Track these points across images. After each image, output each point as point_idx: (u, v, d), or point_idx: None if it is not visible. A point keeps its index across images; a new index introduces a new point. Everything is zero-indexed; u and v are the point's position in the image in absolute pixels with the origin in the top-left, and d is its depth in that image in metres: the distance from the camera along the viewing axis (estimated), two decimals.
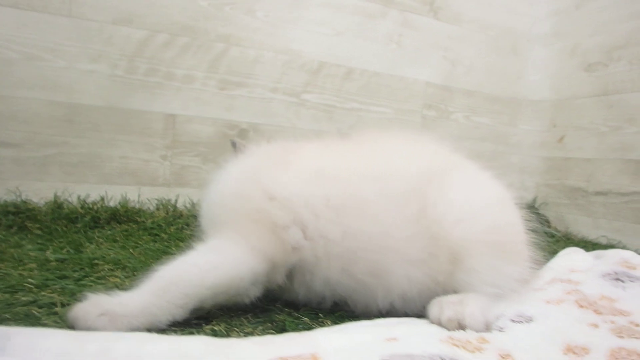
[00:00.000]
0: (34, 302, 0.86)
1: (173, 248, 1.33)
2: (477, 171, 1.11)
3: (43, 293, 0.90)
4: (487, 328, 0.85)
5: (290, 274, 0.98)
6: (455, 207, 0.97)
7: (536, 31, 2.58)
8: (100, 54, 1.70)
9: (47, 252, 1.16)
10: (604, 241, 2.14)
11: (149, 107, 1.78)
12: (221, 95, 1.89)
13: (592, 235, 2.23)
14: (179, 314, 0.82)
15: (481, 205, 1.00)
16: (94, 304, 0.77)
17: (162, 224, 1.57)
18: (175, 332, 0.80)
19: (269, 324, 0.89)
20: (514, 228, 1.05)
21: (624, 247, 1.99)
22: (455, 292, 0.94)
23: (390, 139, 1.14)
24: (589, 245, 2.06)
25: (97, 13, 1.68)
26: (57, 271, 1.04)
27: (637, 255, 1.32)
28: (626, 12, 2.16)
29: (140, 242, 1.37)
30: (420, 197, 0.98)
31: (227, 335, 0.82)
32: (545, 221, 2.43)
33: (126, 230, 1.49)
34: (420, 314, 0.94)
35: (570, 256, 1.38)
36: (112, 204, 1.65)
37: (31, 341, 0.63)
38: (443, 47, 2.35)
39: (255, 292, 0.92)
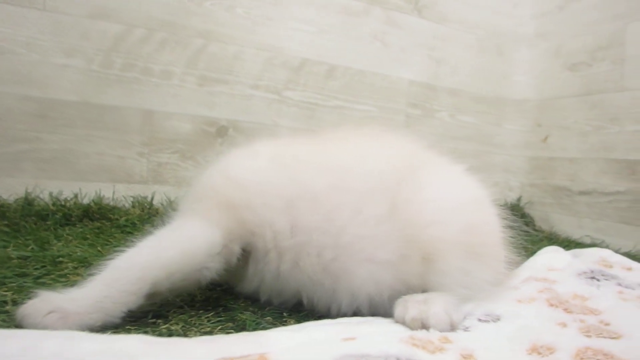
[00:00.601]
0: None
1: None
2: (451, 168, 1.07)
3: None
4: (452, 328, 0.82)
5: (245, 260, 0.95)
6: (429, 208, 0.94)
7: (521, 32, 2.58)
8: (76, 49, 1.67)
9: (8, 249, 1.13)
10: (587, 241, 2.14)
11: (126, 103, 1.75)
12: (200, 91, 1.87)
13: (576, 234, 2.23)
14: (133, 301, 0.79)
15: (455, 205, 0.97)
16: (44, 300, 0.74)
17: (137, 222, 1.54)
18: (129, 330, 0.77)
19: (230, 324, 0.86)
20: (489, 228, 1.02)
21: (607, 247, 1.99)
22: (424, 291, 0.91)
23: (362, 135, 1.11)
24: (572, 244, 2.05)
25: (72, 7, 1.65)
26: (18, 269, 1.01)
27: (615, 254, 1.33)
28: (609, 13, 2.16)
29: (111, 240, 1.35)
30: (390, 195, 0.94)
31: (185, 335, 0.79)
32: (529, 221, 2.42)
33: (98, 228, 1.46)
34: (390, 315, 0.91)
35: (549, 255, 1.38)
36: (85, 201, 1.61)
37: None
38: (428, 46, 2.33)
39: (214, 266, 0.89)
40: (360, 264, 0.91)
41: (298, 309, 0.96)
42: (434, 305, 0.84)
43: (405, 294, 0.91)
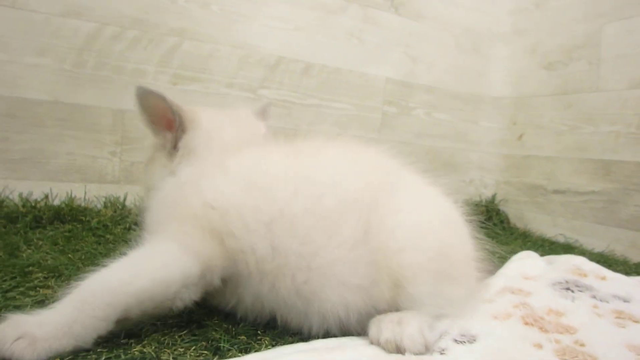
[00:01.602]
0: None
1: (117, 252, 1.28)
2: (424, 190, 1.06)
3: None
4: (427, 348, 0.83)
5: (224, 281, 0.93)
6: (399, 234, 0.92)
7: (497, 29, 2.59)
8: (47, 47, 1.64)
9: None
10: (561, 239, 2.17)
11: (98, 102, 1.72)
12: (174, 90, 1.84)
13: (550, 233, 2.25)
14: (103, 327, 0.76)
15: (426, 230, 0.95)
16: (12, 325, 0.71)
17: (109, 224, 1.53)
18: (100, 354, 0.75)
19: (204, 343, 0.84)
20: (460, 250, 1.02)
21: (580, 246, 2.04)
22: (397, 310, 0.90)
23: (334, 151, 1.06)
24: (546, 243, 2.08)
25: (43, 4, 1.62)
26: None
27: (589, 262, 1.34)
28: (586, 13, 2.18)
29: (82, 245, 1.32)
30: (361, 219, 0.93)
31: (157, 357, 0.77)
32: (504, 218, 2.46)
33: (69, 231, 1.43)
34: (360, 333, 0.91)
35: (524, 261, 1.39)
36: (56, 202, 1.59)
37: None
38: (404, 44, 2.33)
39: (189, 296, 0.86)
40: (331, 288, 0.89)
41: (271, 326, 0.95)
42: (408, 327, 0.84)
43: (373, 316, 0.90)
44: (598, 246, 2.00)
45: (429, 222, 0.97)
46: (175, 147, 1.10)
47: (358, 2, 2.19)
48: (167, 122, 1.10)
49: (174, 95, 1.80)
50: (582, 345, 0.89)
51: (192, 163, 1.06)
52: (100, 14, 1.70)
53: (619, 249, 1.94)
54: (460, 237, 1.04)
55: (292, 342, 0.88)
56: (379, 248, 0.91)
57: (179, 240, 0.89)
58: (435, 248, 0.93)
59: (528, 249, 1.55)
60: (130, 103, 1.77)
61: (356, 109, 2.23)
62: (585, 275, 1.27)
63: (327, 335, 0.91)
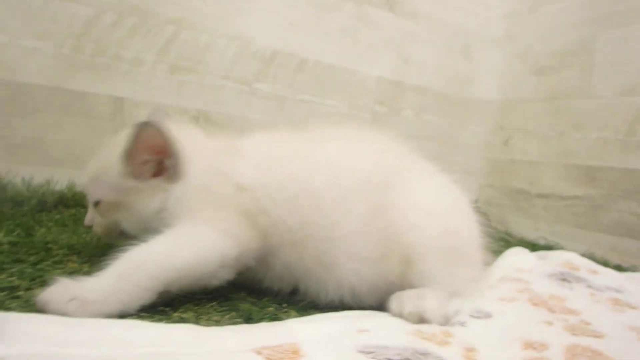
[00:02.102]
0: None
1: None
2: (436, 175, 1.12)
3: (2, 277, 0.86)
4: (447, 321, 0.88)
5: (258, 257, 0.98)
6: (411, 213, 0.99)
7: (489, 33, 2.62)
8: (45, 32, 1.62)
9: (0, 234, 1.10)
10: (542, 242, 2.19)
11: (96, 89, 1.71)
12: (171, 80, 1.84)
13: (531, 236, 2.28)
14: (147, 297, 0.80)
15: (436, 211, 1.02)
16: (64, 288, 0.74)
17: None
18: (143, 318, 0.78)
19: (234, 313, 0.88)
20: (467, 233, 1.09)
21: (561, 249, 2.07)
22: (403, 288, 0.96)
23: (350, 133, 1.14)
24: (528, 245, 2.10)
25: None
26: (12, 254, 0.99)
27: (579, 257, 1.39)
28: (579, 19, 2.21)
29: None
30: (375, 196, 0.99)
31: (196, 322, 0.80)
32: (486, 220, 2.48)
33: (74, 215, 1.43)
34: (372, 308, 0.97)
35: (516, 256, 1.42)
36: (58, 187, 1.57)
37: (28, 327, 0.61)
38: (397, 43, 2.36)
39: (224, 276, 0.92)
40: (346, 258, 0.96)
41: (294, 300, 1.00)
42: (429, 300, 0.90)
43: (383, 289, 0.97)
44: (578, 249, 2.00)
45: (438, 203, 1.04)
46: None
47: None
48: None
49: (172, 86, 1.82)
50: (588, 324, 0.93)
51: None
52: None
53: (599, 253, 1.97)
54: (467, 221, 1.11)
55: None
56: (390, 226, 0.97)
57: (215, 225, 0.93)
58: (444, 228, 1.00)
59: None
60: (128, 91, 1.76)
61: (348, 107, 2.25)
62: (578, 269, 1.32)
63: (341, 302, 0.98)
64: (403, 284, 0.97)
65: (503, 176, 2.52)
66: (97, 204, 1.03)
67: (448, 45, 2.53)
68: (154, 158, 0.99)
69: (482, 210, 2.44)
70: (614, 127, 2.04)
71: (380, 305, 0.97)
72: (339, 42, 2.21)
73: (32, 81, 1.61)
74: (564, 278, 1.20)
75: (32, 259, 0.98)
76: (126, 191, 1.00)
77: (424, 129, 2.49)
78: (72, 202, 1.51)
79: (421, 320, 0.86)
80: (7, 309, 0.73)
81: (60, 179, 1.61)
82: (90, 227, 1.06)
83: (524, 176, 2.39)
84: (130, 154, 0.97)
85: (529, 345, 0.80)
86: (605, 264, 1.83)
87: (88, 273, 0.80)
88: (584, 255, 1.92)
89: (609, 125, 2.06)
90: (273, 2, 2.04)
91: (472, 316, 0.90)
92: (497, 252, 1.33)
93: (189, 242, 0.89)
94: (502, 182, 2.52)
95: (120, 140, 1.00)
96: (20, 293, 0.80)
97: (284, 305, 0.96)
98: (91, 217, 1.06)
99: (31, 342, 0.58)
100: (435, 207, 1.02)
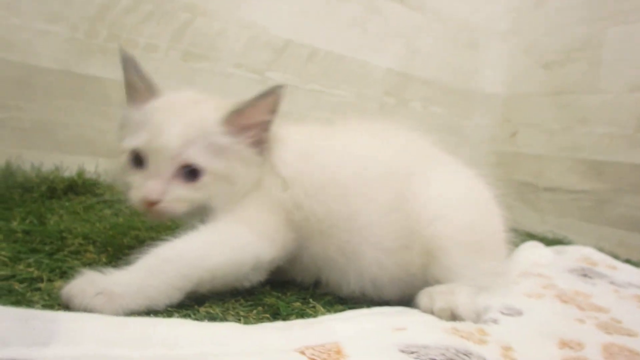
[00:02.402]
0: (12, 276, 0.80)
1: (139, 223, 1.27)
2: (459, 168, 1.12)
3: (20, 267, 0.84)
4: (478, 317, 0.87)
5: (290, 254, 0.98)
6: (433, 205, 0.98)
7: (495, 27, 2.61)
8: (59, 15, 1.60)
9: (13, 222, 1.08)
10: (550, 236, 2.16)
11: (108, 74, 1.68)
12: (184, 67, 1.82)
13: (538, 229, 2.26)
14: (176, 296, 0.78)
15: (459, 203, 1.01)
16: (90, 281, 0.72)
17: (123, 198, 1.50)
18: (171, 313, 0.76)
19: (261, 308, 0.87)
20: (492, 226, 1.08)
21: (569, 242, 2.06)
22: (433, 283, 0.96)
23: (373, 127, 1.13)
24: (535, 239, 2.11)
25: None
26: (27, 243, 0.97)
27: (597, 252, 1.38)
28: (586, 15, 2.21)
29: (103, 216, 1.31)
30: (397, 188, 0.99)
31: (224, 318, 0.79)
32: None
33: (84, 202, 1.41)
34: (393, 301, 0.97)
35: (532, 250, 1.42)
36: (67, 174, 1.55)
37: (76, 328, 0.60)
38: (405, 35, 2.35)
39: (256, 278, 0.91)
40: (369, 248, 0.96)
41: (319, 294, 0.99)
42: (460, 296, 0.89)
43: (404, 280, 0.97)
44: (586, 243, 2.01)
45: (459, 195, 1.03)
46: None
47: None
48: None
49: (184, 73, 1.80)
50: (619, 322, 0.92)
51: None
52: None
53: (607, 247, 1.95)
54: (491, 213, 1.09)
55: (342, 310, 0.90)
56: (412, 217, 0.97)
57: (254, 226, 0.91)
58: (466, 220, 1.00)
59: (516, 244, 1.58)
60: None
61: (356, 97, 2.24)
62: (596, 264, 1.32)
63: (363, 293, 0.98)
64: (426, 278, 0.96)
65: (509, 169, 2.51)
66: (193, 173, 0.91)
67: (455, 39, 2.51)
68: (261, 124, 0.96)
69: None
70: (622, 123, 2.04)
71: (401, 299, 0.97)
72: (349, 33, 2.19)
73: (44, 64, 1.59)
74: (584, 274, 1.21)
75: (47, 248, 0.96)
76: (228, 158, 0.94)
77: (431, 121, 2.48)
78: (82, 190, 1.49)
79: (452, 316, 0.86)
80: (30, 301, 0.72)
81: (70, 165, 1.59)
82: (151, 203, 0.89)
83: (530, 169, 2.39)
84: (245, 112, 0.94)
85: (565, 344, 0.80)
86: (614, 258, 1.84)
87: (106, 264, 0.79)
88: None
89: (616, 121, 2.06)
90: None
91: (503, 313, 0.90)
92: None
93: (224, 243, 0.87)
94: (508, 175, 2.50)
95: (207, 99, 1.00)
96: (41, 285, 0.78)
97: (310, 299, 0.95)
98: (162, 189, 0.90)
99: (80, 343, 0.57)
100: (458, 199, 1.01)
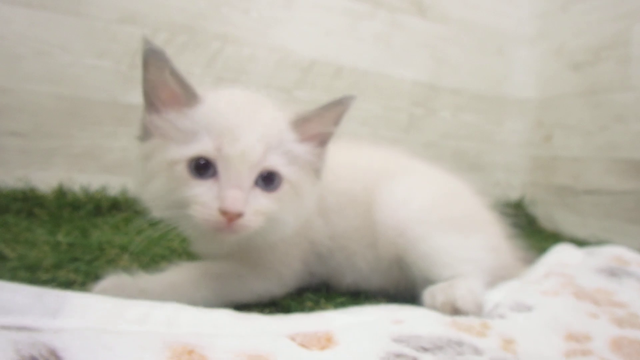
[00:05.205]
0: (52, 280, 0.95)
1: (174, 237, 1.41)
2: (428, 170, 1.19)
3: (60, 272, 1.00)
4: (479, 309, 0.91)
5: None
6: (391, 199, 1.07)
7: (521, 32, 2.62)
8: (105, 51, 1.79)
9: (59, 235, 1.25)
10: (593, 239, 2.08)
11: None
12: None
13: (581, 233, 2.21)
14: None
15: (417, 187, 1.09)
16: (117, 280, 0.87)
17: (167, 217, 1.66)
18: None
19: (274, 307, 0.96)
20: (464, 203, 1.14)
21: None
22: (426, 276, 1.02)
23: (347, 148, 1.15)
24: (578, 243, 2.00)
25: (103, 12, 1.78)
26: (69, 254, 1.13)
27: (629, 251, 1.33)
28: (612, 14, 2.18)
29: (141, 230, 1.46)
30: (367, 196, 1.08)
31: None
32: (532, 220, 2.46)
33: (127, 219, 1.57)
34: (378, 292, 1.10)
35: (562, 253, 1.39)
36: (112, 193, 1.74)
37: (83, 305, 0.71)
38: (430, 47, 2.43)
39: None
40: (358, 247, 1.08)
41: (330, 296, 1.08)
42: (459, 289, 0.93)
43: (382, 271, 1.09)
44: (631, 246, 1.79)
45: (418, 182, 1.11)
46: None
47: (386, 7, 2.31)
48: None
49: None
50: (637, 317, 0.91)
51: None
52: (152, 20, 1.86)
53: None
54: (461, 192, 1.17)
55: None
56: (377, 214, 1.06)
57: (274, 275, 1.01)
58: (430, 198, 1.07)
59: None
60: None
61: (384, 110, 2.34)
62: (628, 264, 1.26)
63: (356, 284, 1.11)
64: (412, 270, 1.04)
65: (546, 173, 2.47)
66: (269, 182, 0.86)
67: (482, 46, 2.57)
68: (322, 135, 0.94)
69: (528, 211, 2.41)
70: None
71: (412, 299, 1.02)
72: (374, 49, 2.31)
73: (92, 96, 1.79)
74: (613, 273, 1.17)
75: (87, 257, 1.12)
76: (300, 168, 0.90)
77: (462, 129, 2.54)
78: (124, 207, 1.66)
79: (454, 309, 0.89)
80: None
81: (115, 185, 1.78)
82: (234, 216, 0.79)
83: (568, 172, 2.35)
84: (312, 120, 0.91)
85: (572, 337, 0.80)
86: None
87: (137, 270, 0.91)
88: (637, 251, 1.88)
89: None
90: (310, 13, 2.16)
91: (512, 309, 0.91)
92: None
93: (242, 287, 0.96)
94: (546, 179, 2.47)
95: (273, 106, 0.93)
96: (75, 287, 0.93)
97: (322, 301, 1.03)
98: (245, 199, 0.81)
99: (84, 317, 0.68)
100: (415, 185, 1.09)
